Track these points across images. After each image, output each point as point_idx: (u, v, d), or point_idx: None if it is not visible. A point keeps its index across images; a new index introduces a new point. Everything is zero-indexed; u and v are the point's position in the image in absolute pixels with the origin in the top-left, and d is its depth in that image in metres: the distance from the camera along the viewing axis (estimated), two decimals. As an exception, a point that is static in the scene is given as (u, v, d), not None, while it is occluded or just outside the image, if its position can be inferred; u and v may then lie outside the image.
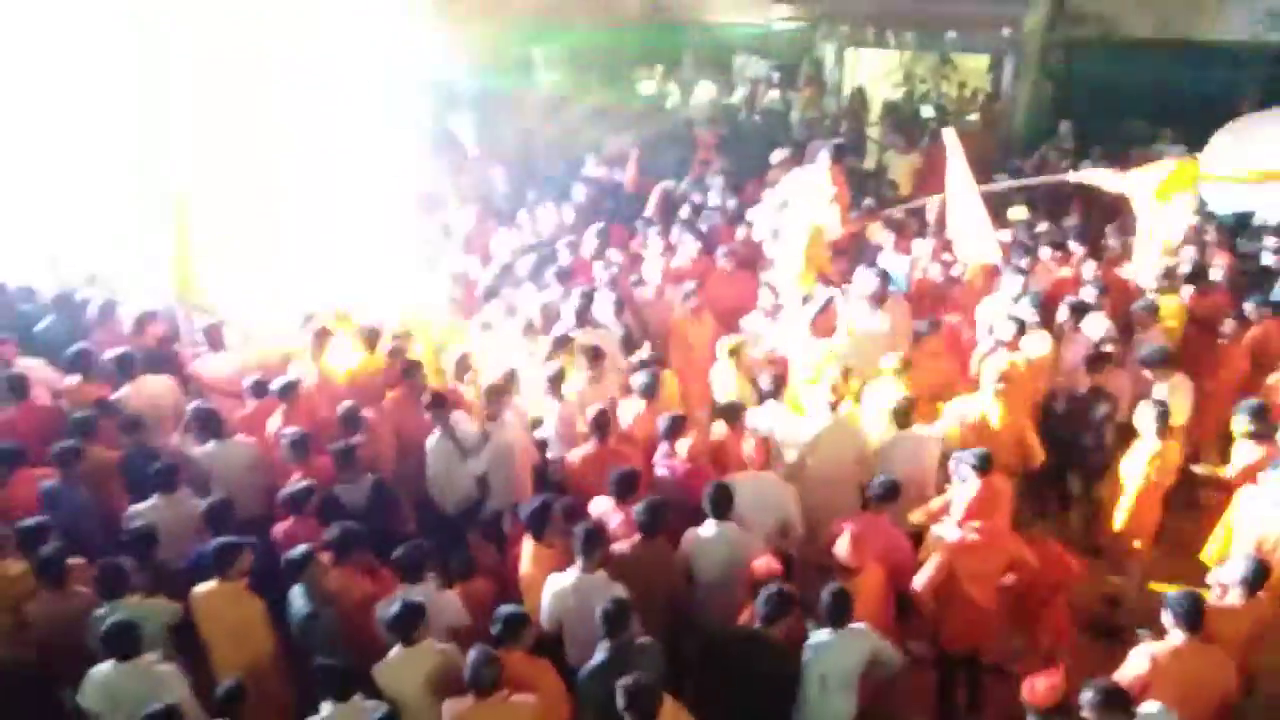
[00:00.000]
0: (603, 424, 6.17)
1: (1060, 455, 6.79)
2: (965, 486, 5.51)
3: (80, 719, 4.75)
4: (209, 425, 6.43)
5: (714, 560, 5.27)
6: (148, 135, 8.94)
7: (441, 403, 6.47)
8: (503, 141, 13.21)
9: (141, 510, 5.85)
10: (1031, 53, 13.37)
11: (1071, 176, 8.47)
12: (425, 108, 13.20)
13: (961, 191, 7.93)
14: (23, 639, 5.26)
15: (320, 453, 6.25)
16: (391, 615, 4.62)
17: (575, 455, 6.25)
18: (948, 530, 5.31)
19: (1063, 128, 12.31)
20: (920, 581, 5.17)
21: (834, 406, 6.26)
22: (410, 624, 4.60)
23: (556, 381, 6.75)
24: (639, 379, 6.66)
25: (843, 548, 4.96)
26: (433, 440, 6.42)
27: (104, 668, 4.63)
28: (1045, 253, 8.81)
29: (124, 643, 4.59)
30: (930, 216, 9.65)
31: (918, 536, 5.59)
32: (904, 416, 6.15)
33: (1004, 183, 9.78)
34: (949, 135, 8.08)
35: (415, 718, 4.58)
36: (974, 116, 12.95)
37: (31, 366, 7.27)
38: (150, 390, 7.08)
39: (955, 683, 5.61)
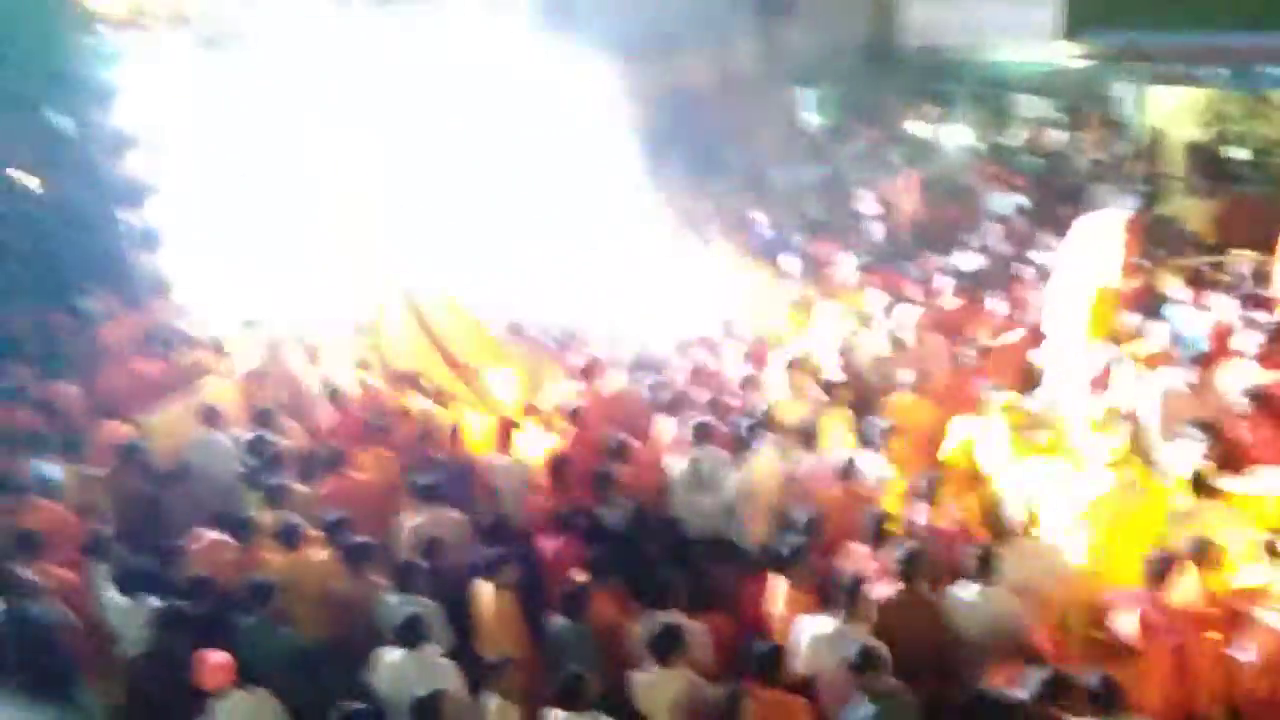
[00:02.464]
0: (848, 471, 6.17)
1: None
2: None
3: (362, 694, 5.23)
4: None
5: (973, 623, 5.03)
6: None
7: (706, 434, 6.63)
8: (768, 180, 13.40)
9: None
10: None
11: None
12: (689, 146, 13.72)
13: None
14: (322, 618, 5.93)
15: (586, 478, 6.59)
16: (653, 634, 4.79)
17: (822, 499, 6.23)
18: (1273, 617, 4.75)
19: None
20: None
21: (1116, 468, 5.81)
22: (670, 644, 4.75)
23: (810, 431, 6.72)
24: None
25: (1128, 626, 4.57)
26: (679, 468, 6.58)
27: (394, 653, 5.10)
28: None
29: (414, 633, 5.06)
30: (1243, 270, 8.72)
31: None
32: (1207, 485, 5.59)
33: None
34: None
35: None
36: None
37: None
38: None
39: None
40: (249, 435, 7.20)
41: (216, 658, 4.87)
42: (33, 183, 11.98)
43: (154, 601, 5.49)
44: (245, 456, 7.05)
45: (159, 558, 6.01)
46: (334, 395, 7.74)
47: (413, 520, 6.32)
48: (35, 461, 6.97)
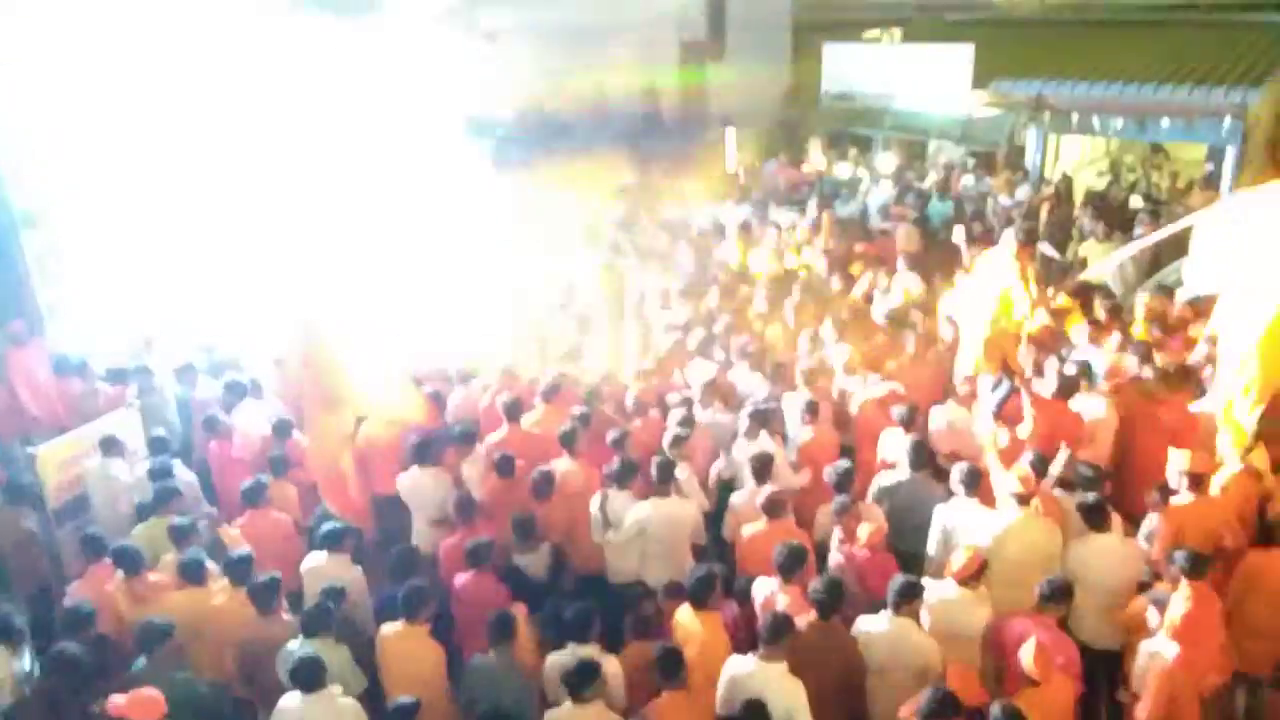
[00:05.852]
0: (775, 504, 6.14)
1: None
2: (1175, 594, 5.07)
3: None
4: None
5: (883, 653, 5.10)
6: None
7: (631, 471, 6.55)
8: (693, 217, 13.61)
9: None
10: (1258, 143, 12.52)
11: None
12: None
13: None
14: (225, 661, 5.68)
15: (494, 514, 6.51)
16: (570, 670, 4.70)
17: (746, 532, 6.23)
18: (1162, 645, 4.90)
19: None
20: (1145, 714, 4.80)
21: (1024, 501, 5.95)
22: (585, 680, 4.67)
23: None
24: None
25: (1028, 657, 4.66)
26: (592, 507, 6.52)
27: (293, 698, 4.91)
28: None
29: (311, 676, 4.86)
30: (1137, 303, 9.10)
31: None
32: (1100, 518, 5.76)
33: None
34: None
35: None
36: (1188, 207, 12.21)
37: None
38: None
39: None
40: (148, 465, 6.94)
41: (149, 694, 4.63)
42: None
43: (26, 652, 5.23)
44: (144, 487, 6.78)
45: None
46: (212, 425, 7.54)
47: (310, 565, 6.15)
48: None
